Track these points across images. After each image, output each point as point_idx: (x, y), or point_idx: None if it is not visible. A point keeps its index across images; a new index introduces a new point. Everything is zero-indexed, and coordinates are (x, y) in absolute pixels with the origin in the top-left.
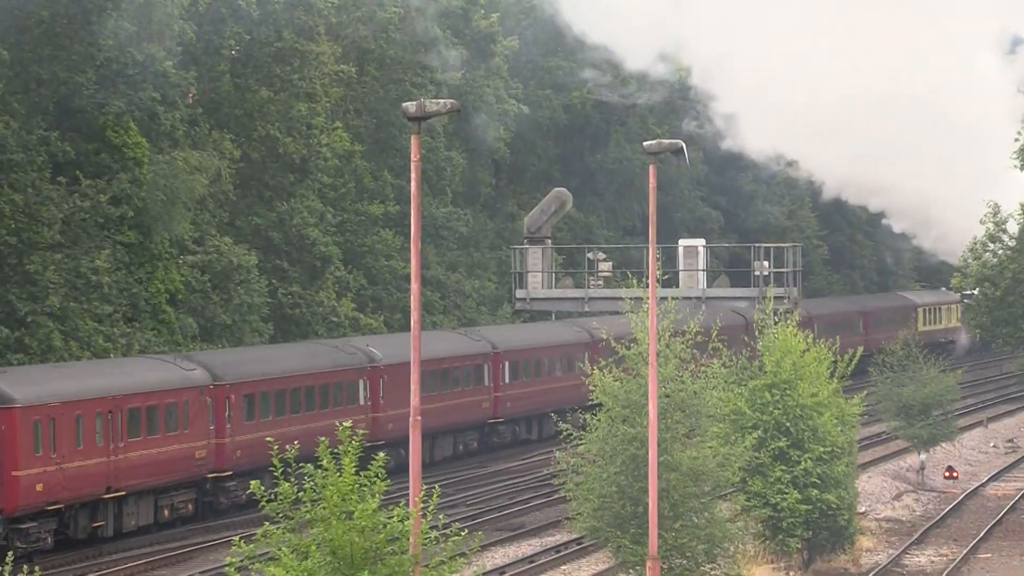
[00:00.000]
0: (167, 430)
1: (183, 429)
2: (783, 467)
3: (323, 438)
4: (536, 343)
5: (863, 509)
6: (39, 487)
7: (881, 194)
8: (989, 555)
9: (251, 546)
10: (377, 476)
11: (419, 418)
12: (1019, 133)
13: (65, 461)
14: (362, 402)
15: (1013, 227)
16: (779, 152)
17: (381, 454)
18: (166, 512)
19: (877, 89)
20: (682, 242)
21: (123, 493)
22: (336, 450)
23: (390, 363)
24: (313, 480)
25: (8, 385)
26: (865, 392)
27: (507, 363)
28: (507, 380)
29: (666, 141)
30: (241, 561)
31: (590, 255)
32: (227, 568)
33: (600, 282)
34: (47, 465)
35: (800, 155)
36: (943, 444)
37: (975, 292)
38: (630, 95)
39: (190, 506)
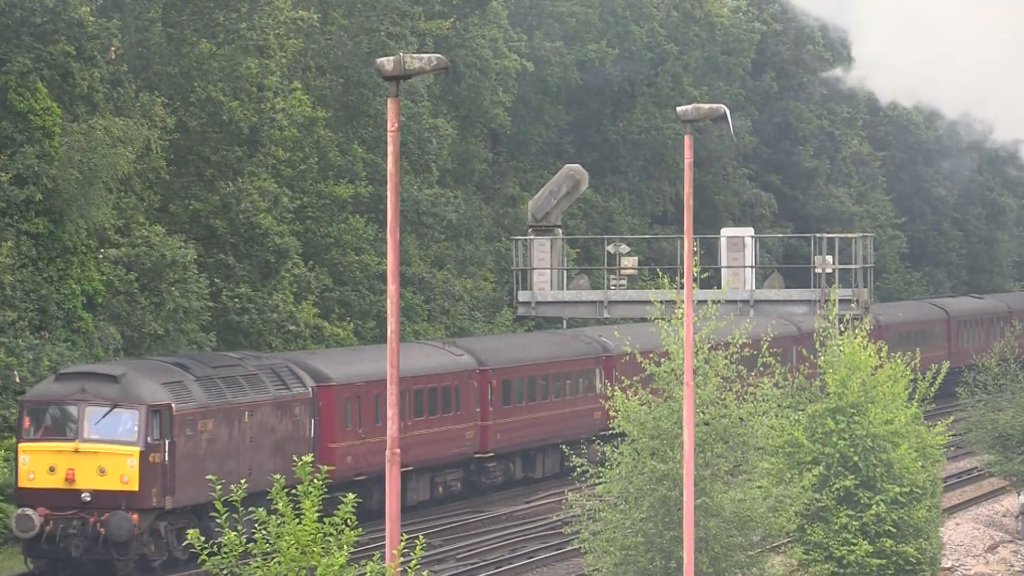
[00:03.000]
0: (443, 411)
1: (455, 411)
2: (850, 512)
3: (278, 475)
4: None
5: (949, 564)
6: (349, 459)
7: None
8: None
9: None
10: (346, 523)
11: (397, 451)
12: None
13: (367, 436)
14: (599, 391)
15: None
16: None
17: (350, 495)
18: (440, 489)
19: None
20: (725, 232)
21: (409, 468)
22: (294, 490)
23: (623, 352)
24: (265, 528)
25: (324, 365)
26: (952, 418)
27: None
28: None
29: (705, 106)
30: None
31: (610, 248)
32: None
33: (623, 282)
34: (354, 439)
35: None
36: None
37: None
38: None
39: (459, 484)
